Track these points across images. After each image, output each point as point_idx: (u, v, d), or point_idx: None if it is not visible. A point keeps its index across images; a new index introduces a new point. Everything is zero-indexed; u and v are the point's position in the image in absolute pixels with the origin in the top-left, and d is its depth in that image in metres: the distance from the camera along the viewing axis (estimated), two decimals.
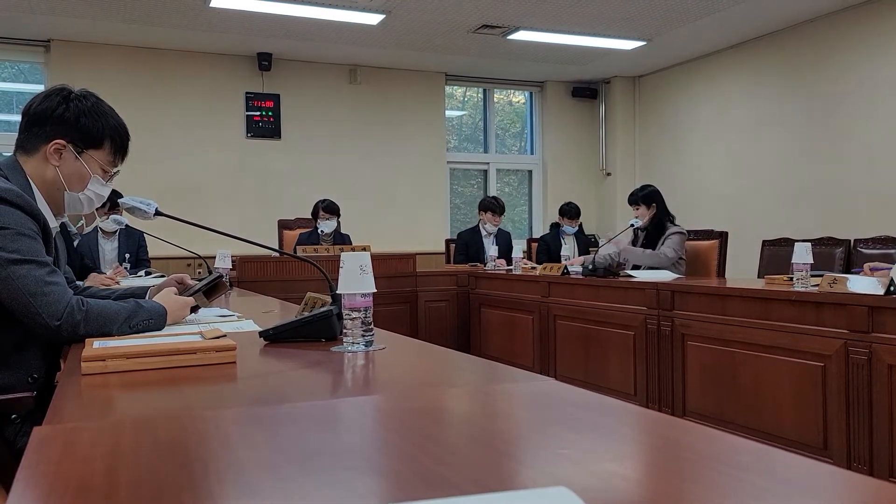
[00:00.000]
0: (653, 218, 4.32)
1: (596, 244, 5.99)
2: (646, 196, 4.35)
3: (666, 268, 4.12)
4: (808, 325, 2.77)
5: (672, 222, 4.35)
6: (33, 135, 1.59)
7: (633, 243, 4.48)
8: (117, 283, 3.30)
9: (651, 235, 4.35)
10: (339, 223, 5.35)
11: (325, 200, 5.30)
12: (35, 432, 0.79)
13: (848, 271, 3.87)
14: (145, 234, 4.64)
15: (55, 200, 1.64)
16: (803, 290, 2.89)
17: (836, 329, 2.66)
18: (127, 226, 4.39)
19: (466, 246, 5.72)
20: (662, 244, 4.25)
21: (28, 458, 0.71)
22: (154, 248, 4.73)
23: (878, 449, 2.52)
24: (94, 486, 0.64)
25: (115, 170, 1.70)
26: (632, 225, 4.39)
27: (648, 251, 4.27)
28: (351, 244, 5.26)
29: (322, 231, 5.26)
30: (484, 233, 5.71)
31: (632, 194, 4.44)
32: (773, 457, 0.68)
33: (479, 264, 5.50)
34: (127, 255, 4.57)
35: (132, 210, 1.75)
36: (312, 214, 5.34)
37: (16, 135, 1.63)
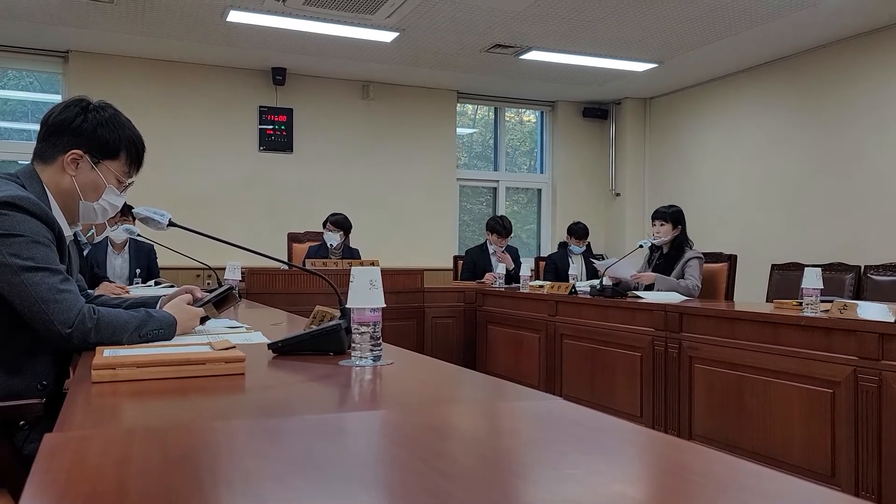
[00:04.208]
0: (674, 239, 4.24)
1: None
2: (674, 214, 4.24)
3: (696, 297, 4.02)
4: (817, 351, 2.75)
5: (690, 247, 4.25)
6: (51, 144, 1.61)
7: (648, 262, 4.40)
8: (127, 292, 3.31)
9: (670, 257, 4.24)
10: (348, 237, 5.36)
11: (335, 215, 5.31)
12: (46, 439, 0.80)
13: (858, 298, 3.84)
14: (155, 247, 4.63)
15: (70, 209, 1.65)
16: (813, 315, 2.87)
17: (846, 356, 2.64)
18: (139, 235, 4.41)
19: (474, 264, 5.72)
20: (683, 270, 4.15)
21: (38, 466, 0.71)
22: (164, 259, 4.74)
23: (887, 477, 2.49)
24: (104, 494, 0.65)
25: (129, 180, 1.73)
26: (640, 246, 4.33)
27: (683, 282, 4.11)
28: (360, 258, 5.26)
29: (329, 245, 5.27)
30: (492, 250, 5.71)
31: (659, 210, 4.30)
32: (781, 482, 0.68)
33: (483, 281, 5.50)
34: (137, 270, 4.56)
35: (146, 220, 1.77)
36: (323, 226, 5.35)
37: (34, 143, 1.66)
